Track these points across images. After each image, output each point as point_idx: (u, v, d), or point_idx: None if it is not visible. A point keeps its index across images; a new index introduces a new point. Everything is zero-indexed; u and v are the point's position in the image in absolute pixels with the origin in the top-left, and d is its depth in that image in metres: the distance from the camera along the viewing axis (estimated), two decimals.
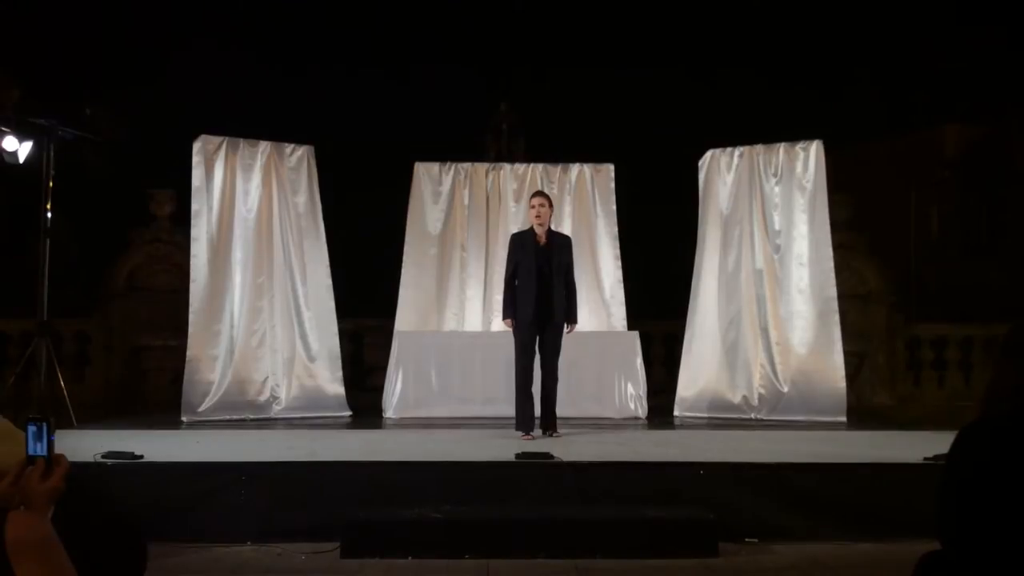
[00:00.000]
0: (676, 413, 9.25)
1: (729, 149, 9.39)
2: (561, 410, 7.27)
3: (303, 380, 9.06)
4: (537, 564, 4.79)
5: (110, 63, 12.13)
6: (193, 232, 8.67)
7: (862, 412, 9.62)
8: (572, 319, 7.27)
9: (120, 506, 5.00)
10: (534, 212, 7.24)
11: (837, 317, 8.87)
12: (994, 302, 11.55)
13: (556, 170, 9.99)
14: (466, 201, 9.89)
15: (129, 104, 11.21)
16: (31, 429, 2.10)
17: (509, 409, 7.35)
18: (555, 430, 7.13)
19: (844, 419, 8.66)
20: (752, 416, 8.89)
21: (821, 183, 8.98)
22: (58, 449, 2.14)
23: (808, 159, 9.06)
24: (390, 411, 8.99)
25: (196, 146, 8.72)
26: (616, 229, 9.88)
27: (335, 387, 9.22)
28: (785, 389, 8.88)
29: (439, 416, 8.68)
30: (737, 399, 9.03)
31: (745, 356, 9.07)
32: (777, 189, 9.15)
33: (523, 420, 7.03)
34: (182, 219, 9.40)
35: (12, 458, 2.81)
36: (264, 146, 9.06)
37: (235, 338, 8.74)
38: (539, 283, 7.07)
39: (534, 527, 5.04)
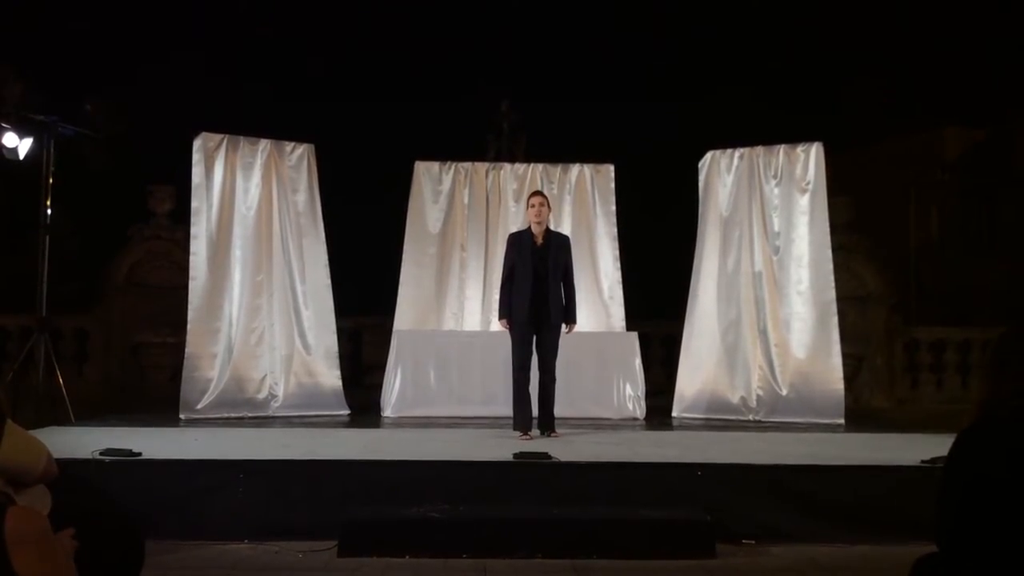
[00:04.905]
0: (674, 414, 9.25)
1: (729, 150, 9.39)
2: (559, 410, 7.26)
3: (301, 378, 9.06)
4: (535, 564, 4.79)
5: (111, 60, 12.14)
6: (193, 229, 8.67)
7: (860, 414, 9.62)
8: (571, 319, 7.25)
9: (118, 503, 5.01)
10: (534, 211, 7.22)
11: (836, 319, 8.86)
12: (993, 304, 11.57)
13: (556, 170, 9.99)
14: (466, 200, 9.89)
15: (129, 101, 11.22)
16: None
17: (507, 409, 7.35)
18: (553, 430, 7.13)
19: (842, 421, 8.66)
20: (750, 418, 8.89)
21: (821, 185, 8.97)
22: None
23: (808, 161, 9.05)
24: (388, 410, 8.99)
25: (196, 143, 8.72)
26: (616, 230, 9.88)
27: (333, 385, 9.22)
28: (783, 391, 8.88)
29: (437, 415, 8.68)
30: (735, 400, 9.03)
31: (744, 357, 9.06)
32: (777, 191, 9.15)
33: (521, 420, 7.02)
34: (182, 216, 9.40)
35: (11, 455, 2.81)
36: (264, 144, 9.06)
37: (234, 336, 8.73)
38: (535, 283, 7.05)
39: (532, 527, 5.04)
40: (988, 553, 2.04)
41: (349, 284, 9.67)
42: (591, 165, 10.01)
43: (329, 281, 9.28)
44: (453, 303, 9.83)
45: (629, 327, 9.65)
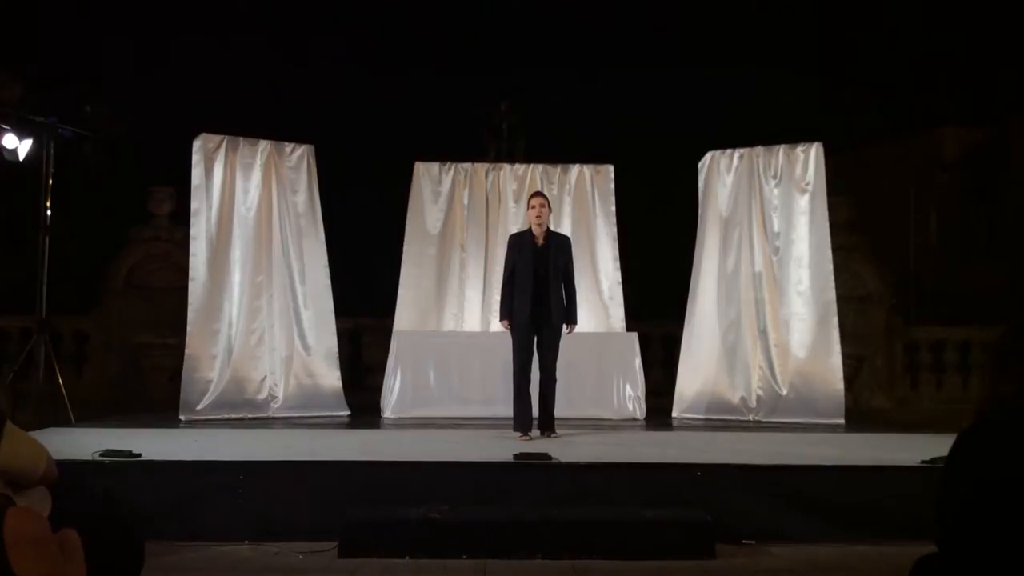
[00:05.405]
0: (674, 414, 9.25)
1: (729, 151, 9.39)
2: (559, 411, 7.27)
3: (301, 379, 9.06)
4: (535, 565, 4.79)
5: (110, 60, 12.14)
6: (192, 231, 8.67)
7: (860, 415, 9.62)
8: (571, 320, 7.25)
9: (118, 504, 5.01)
10: (535, 212, 7.22)
11: (836, 320, 8.86)
12: (993, 305, 11.56)
13: (556, 171, 9.99)
14: (466, 201, 9.89)
15: (129, 101, 11.21)
16: None
17: (507, 410, 7.35)
18: (553, 431, 7.13)
19: (842, 421, 8.66)
20: (750, 418, 8.89)
21: (821, 185, 8.98)
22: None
23: (808, 161, 9.06)
24: (388, 411, 8.99)
25: (196, 144, 8.72)
26: (615, 230, 9.88)
27: (333, 386, 9.22)
28: (783, 391, 8.88)
29: (437, 416, 8.69)
30: (735, 400, 9.03)
31: (744, 358, 9.06)
32: (777, 191, 9.15)
33: (521, 421, 7.03)
34: (181, 217, 9.40)
35: (11, 457, 2.81)
36: (264, 145, 9.06)
37: (233, 337, 8.73)
38: (535, 284, 7.05)
39: (532, 528, 5.04)
40: (988, 553, 2.04)
41: (349, 285, 9.67)
42: (591, 165, 10.01)
43: (329, 282, 9.29)
44: (453, 304, 9.83)
45: (629, 327, 9.65)
